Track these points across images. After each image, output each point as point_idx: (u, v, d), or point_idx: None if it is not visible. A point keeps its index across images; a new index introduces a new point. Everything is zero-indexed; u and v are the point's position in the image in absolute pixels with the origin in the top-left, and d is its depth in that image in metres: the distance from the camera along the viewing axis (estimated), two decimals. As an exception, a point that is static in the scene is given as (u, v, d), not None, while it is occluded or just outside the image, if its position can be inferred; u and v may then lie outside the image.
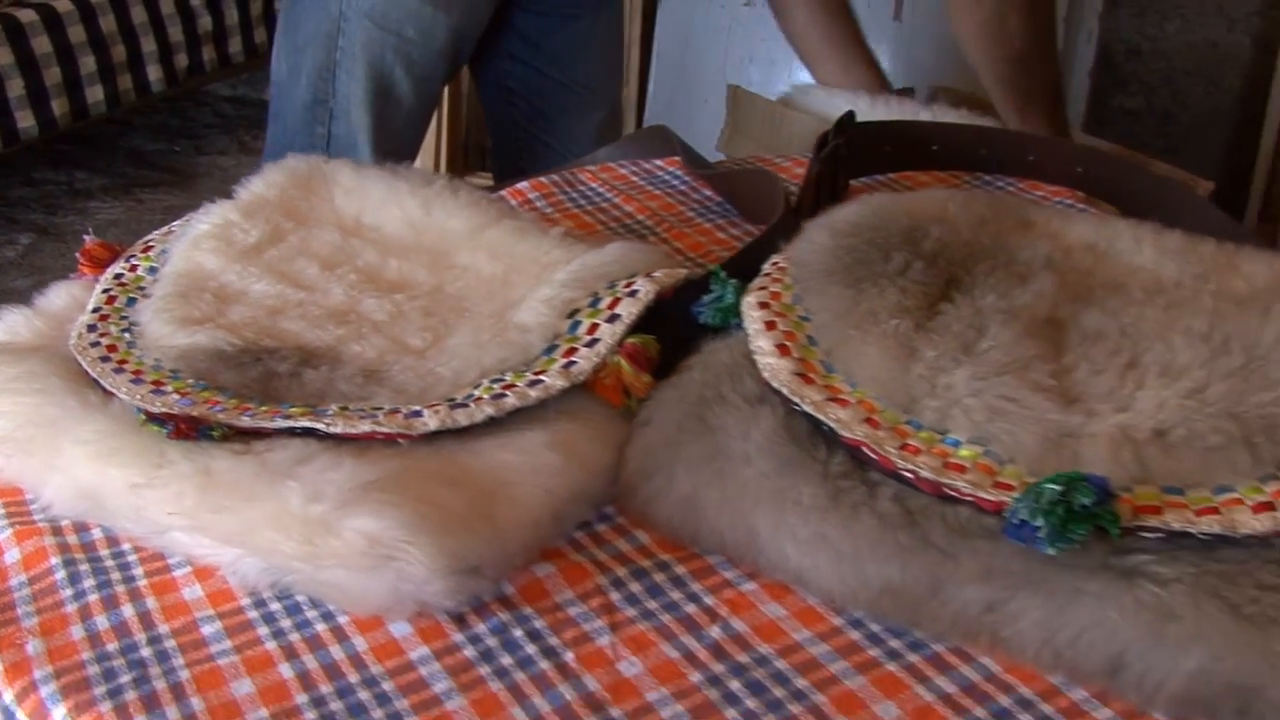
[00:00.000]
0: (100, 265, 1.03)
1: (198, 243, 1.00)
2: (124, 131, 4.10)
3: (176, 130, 4.11)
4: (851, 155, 1.25)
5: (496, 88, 1.93)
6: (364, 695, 0.68)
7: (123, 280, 0.99)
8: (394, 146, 1.77)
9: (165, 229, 1.07)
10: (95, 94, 3.39)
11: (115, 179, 3.74)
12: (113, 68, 3.43)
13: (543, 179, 1.31)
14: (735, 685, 0.68)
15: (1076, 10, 2.73)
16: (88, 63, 3.37)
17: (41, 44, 3.29)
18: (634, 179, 1.33)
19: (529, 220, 1.01)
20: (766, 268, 0.89)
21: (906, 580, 0.71)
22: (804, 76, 2.06)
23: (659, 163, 1.37)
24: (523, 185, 1.29)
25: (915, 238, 0.86)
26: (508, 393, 0.80)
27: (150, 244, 1.04)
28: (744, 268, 0.90)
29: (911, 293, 0.81)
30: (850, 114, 1.26)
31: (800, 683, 0.68)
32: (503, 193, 1.27)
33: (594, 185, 1.31)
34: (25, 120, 3.28)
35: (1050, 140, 1.33)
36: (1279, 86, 2.67)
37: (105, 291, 0.98)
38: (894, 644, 0.71)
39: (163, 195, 3.57)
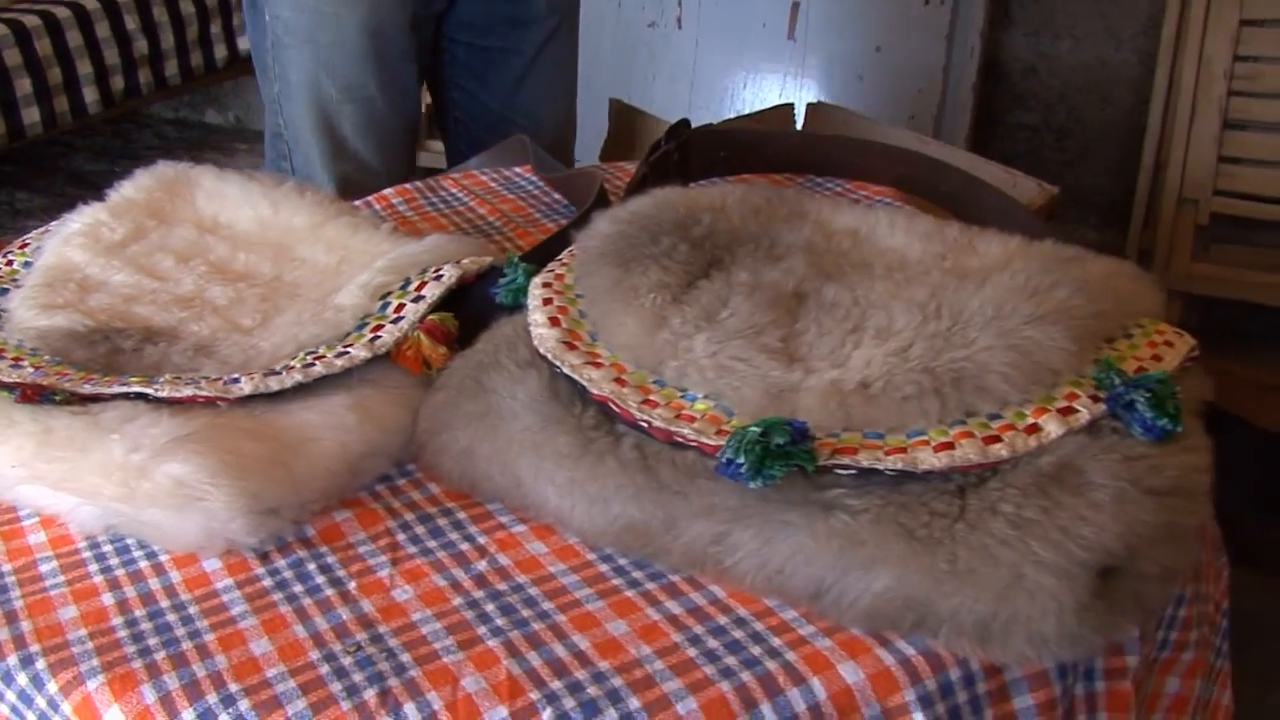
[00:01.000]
0: (-23, 261, 1.14)
1: (68, 239, 1.11)
2: (65, 153, 4.19)
3: (118, 151, 4.20)
4: (686, 160, 1.37)
5: (446, 117, 1.95)
6: (171, 618, 0.79)
7: (-2, 274, 1.10)
8: (351, 169, 1.77)
9: (43, 229, 1.18)
10: (31, 115, 3.49)
11: (55, 199, 3.83)
12: (49, 89, 3.53)
13: (407, 185, 1.43)
14: (490, 608, 0.79)
15: (960, 28, 2.86)
16: (24, 84, 3.47)
17: (-22, 66, 3.39)
18: (492, 184, 1.45)
19: (364, 217, 1.13)
20: (563, 255, 1.01)
21: (644, 517, 0.82)
22: (704, 93, 2.18)
23: (518, 170, 1.49)
24: (388, 191, 1.40)
25: (686, 224, 0.98)
26: (317, 363, 0.92)
27: (26, 242, 1.15)
28: (544, 256, 1.02)
29: (673, 271, 0.93)
30: (684, 121, 1.38)
31: (547, 605, 0.79)
32: (370, 198, 1.39)
33: (454, 191, 1.43)
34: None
35: (872, 145, 1.45)
36: (1157, 101, 2.79)
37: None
38: (636, 574, 0.82)
39: (102, 214, 3.66)
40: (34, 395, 0.89)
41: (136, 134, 4.33)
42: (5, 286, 1.08)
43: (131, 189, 1.17)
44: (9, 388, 0.90)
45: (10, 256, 1.13)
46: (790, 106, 2.16)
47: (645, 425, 0.82)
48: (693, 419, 0.82)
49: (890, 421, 0.82)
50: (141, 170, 1.20)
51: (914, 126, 2.78)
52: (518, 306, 0.97)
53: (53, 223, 1.18)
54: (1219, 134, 2.67)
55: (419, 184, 1.44)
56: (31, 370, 0.93)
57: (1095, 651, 0.78)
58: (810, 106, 2.16)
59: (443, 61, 1.85)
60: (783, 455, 0.77)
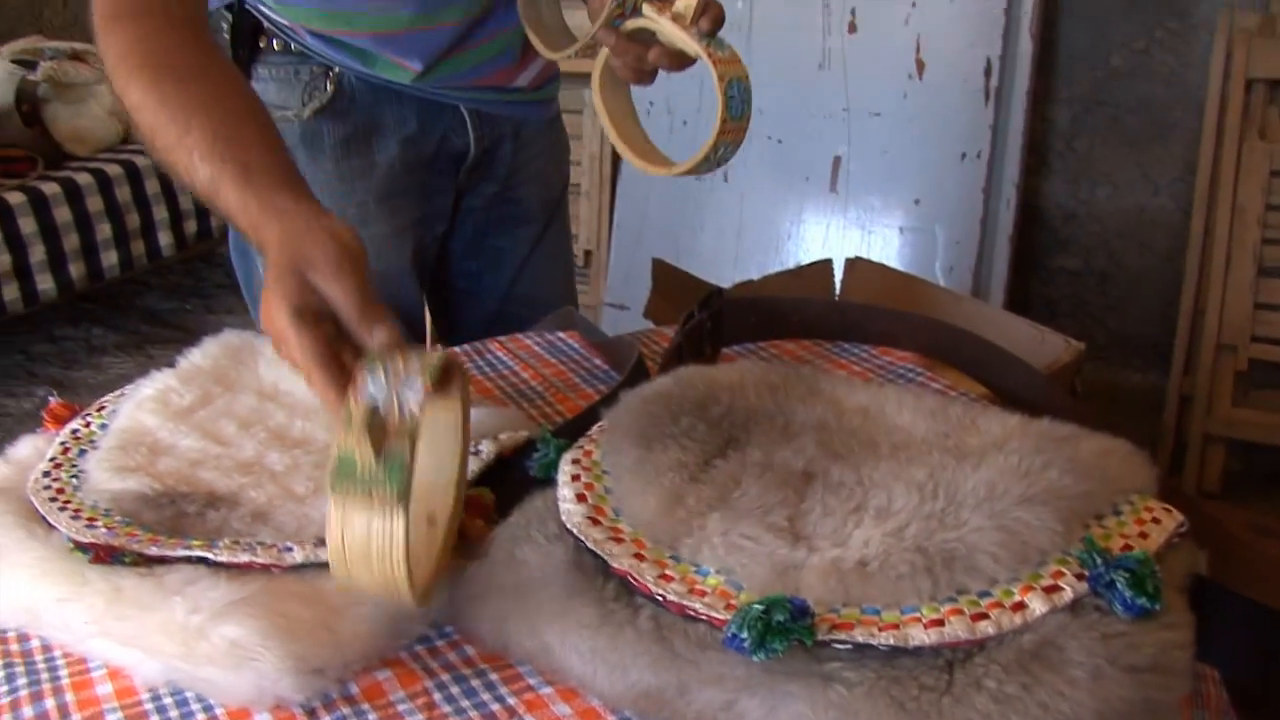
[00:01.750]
0: (60, 421, 1.23)
1: (141, 404, 1.20)
2: (140, 291, 4.37)
3: (189, 290, 4.38)
4: (718, 326, 1.46)
5: (445, 322, 1.93)
6: (224, 770, 0.86)
7: (78, 435, 1.20)
8: None
9: (119, 392, 1.28)
10: (110, 258, 3.66)
11: (129, 335, 4.00)
12: (127, 234, 3.70)
13: (455, 348, 1.52)
14: (520, 771, 0.87)
15: (997, 181, 2.95)
16: (104, 229, 3.64)
17: (62, 213, 3.56)
18: (536, 349, 1.54)
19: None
20: (592, 431, 1.09)
21: (660, 684, 0.89)
22: (749, 243, 2.25)
23: (561, 335, 1.58)
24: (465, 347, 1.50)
25: (705, 404, 1.06)
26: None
27: (104, 404, 1.25)
28: (576, 431, 1.10)
29: (691, 450, 1.00)
30: (717, 291, 1.47)
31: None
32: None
33: (500, 354, 1.52)
34: (45, 283, 3.54)
35: (897, 314, 1.53)
36: (1194, 248, 2.87)
37: (62, 444, 1.18)
38: (657, 731, 0.89)
39: (172, 351, 3.73)
40: (106, 557, 0.98)
41: (208, 272, 4.50)
42: (84, 448, 1.17)
43: (199, 356, 1.27)
44: (85, 548, 0.99)
45: (89, 419, 1.22)
46: (829, 263, 2.25)
47: (661, 599, 0.90)
48: (704, 594, 0.90)
49: (885, 598, 0.88)
50: (209, 338, 1.30)
51: (953, 276, 2.86)
52: (549, 480, 1.05)
53: (128, 386, 1.27)
54: (1254, 280, 2.73)
55: (467, 347, 1.53)
56: (105, 530, 1.02)
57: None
58: (848, 262, 2.25)
59: (442, 274, 1.85)
60: (783, 631, 0.84)
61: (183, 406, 1.20)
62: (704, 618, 0.88)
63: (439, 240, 1.78)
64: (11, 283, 3.47)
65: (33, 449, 1.21)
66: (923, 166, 2.96)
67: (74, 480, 1.12)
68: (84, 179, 3.62)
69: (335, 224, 0.99)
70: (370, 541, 0.86)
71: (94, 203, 3.60)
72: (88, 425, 1.22)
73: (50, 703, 0.93)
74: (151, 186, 3.73)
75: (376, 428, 0.86)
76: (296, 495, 1.07)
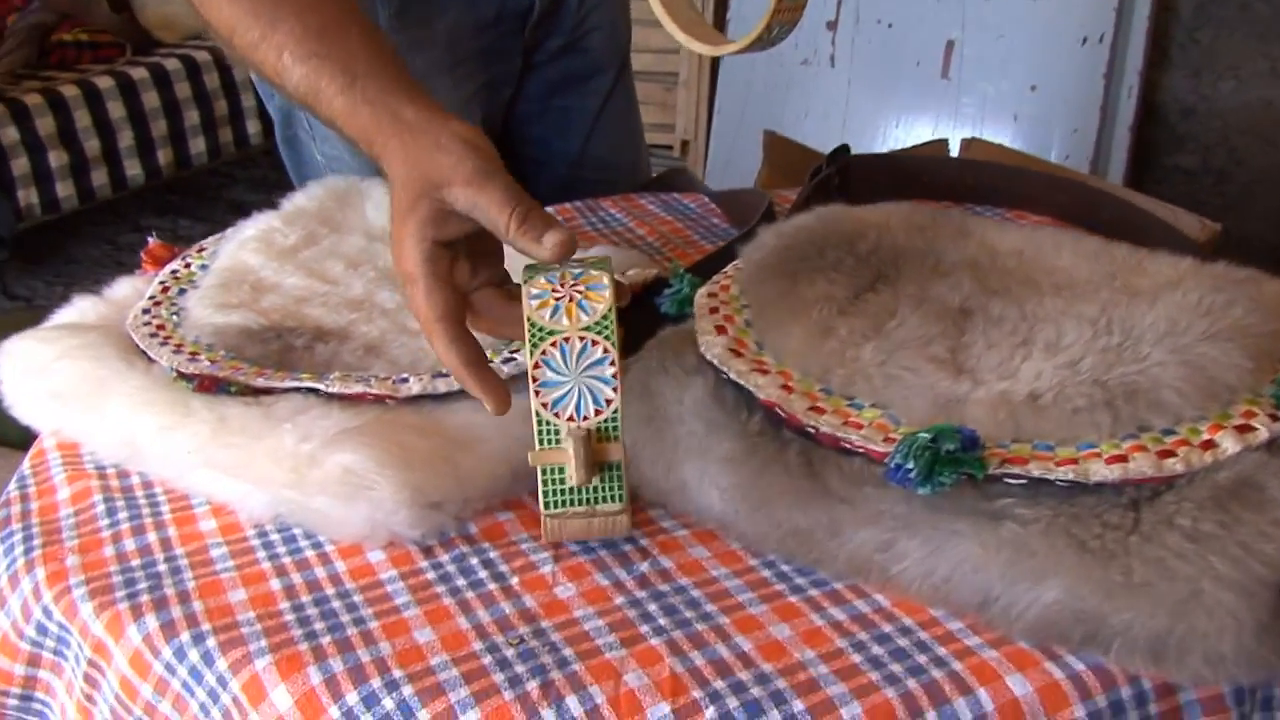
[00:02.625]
0: (160, 262, 1.17)
1: (243, 244, 1.14)
2: (226, 183, 4.32)
3: (274, 183, 4.31)
4: (844, 185, 1.37)
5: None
6: (336, 604, 0.80)
7: (177, 275, 1.14)
8: None
9: (218, 235, 1.21)
10: (198, 145, 3.61)
11: (216, 227, 3.91)
12: (214, 121, 3.65)
13: (567, 205, 1.44)
14: (653, 607, 0.79)
15: (1119, 68, 2.82)
16: (191, 116, 3.60)
17: (150, 99, 3.52)
18: (650, 207, 1.46)
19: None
20: (727, 269, 1.01)
21: (809, 524, 0.81)
22: (855, 131, 2.16)
23: (677, 195, 1.50)
24: (548, 209, 1.42)
25: (852, 239, 0.98)
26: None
27: (204, 246, 1.19)
28: (709, 270, 1.02)
29: (839, 283, 0.92)
30: (845, 146, 1.38)
31: (709, 607, 0.79)
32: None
33: (614, 212, 1.44)
34: (133, 169, 3.50)
35: (1031, 173, 1.43)
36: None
37: (161, 283, 1.12)
38: (799, 580, 0.82)
39: (260, 242, 3.78)
40: (210, 386, 0.92)
41: (291, 165, 4.44)
42: (184, 288, 1.11)
43: (304, 199, 1.20)
44: (188, 378, 0.93)
45: (188, 260, 1.16)
46: (944, 142, 2.15)
47: (812, 431, 0.82)
48: (860, 426, 0.82)
49: (1060, 433, 0.80)
50: (314, 181, 1.23)
51: (1069, 167, 2.74)
52: (682, 316, 0.97)
53: (228, 229, 1.21)
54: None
55: (579, 204, 1.45)
56: (208, 364, 0.96)
57: (1274, 675, 0.75)
58: (965, 142, 2.15)
59: (508, 145, 1.70)
60: (952, 462, 0.76)
61: (287, 246, 1.13)
62: (861, 450, 0.81)
63: (504, 108, 1.65)
64: (100, 168, 3.44)
65: (131, 289, 1.15)
66: (1041, 51, 2.82)
67: (174, 317, 1.06)
68: (172, 65, 3.58)
69: (462, 127, 0.85)
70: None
71: (182, 89, 3.56)
72: (187, 266, 1.15)
73: (152, 536, 0.88)
74: (240, 73, 3.67)
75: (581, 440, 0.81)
76: (411, 330, 1.00)
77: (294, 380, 0.92)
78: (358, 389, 0.91)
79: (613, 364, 0.79)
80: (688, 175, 1.50)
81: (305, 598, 0.81)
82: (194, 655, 0.77)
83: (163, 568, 0.84)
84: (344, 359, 0.97)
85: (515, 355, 0.94)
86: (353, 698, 0.72)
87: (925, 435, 0.77)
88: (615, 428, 0.81)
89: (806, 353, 0.87)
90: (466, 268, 0.86)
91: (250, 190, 4.29)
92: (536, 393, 0.80)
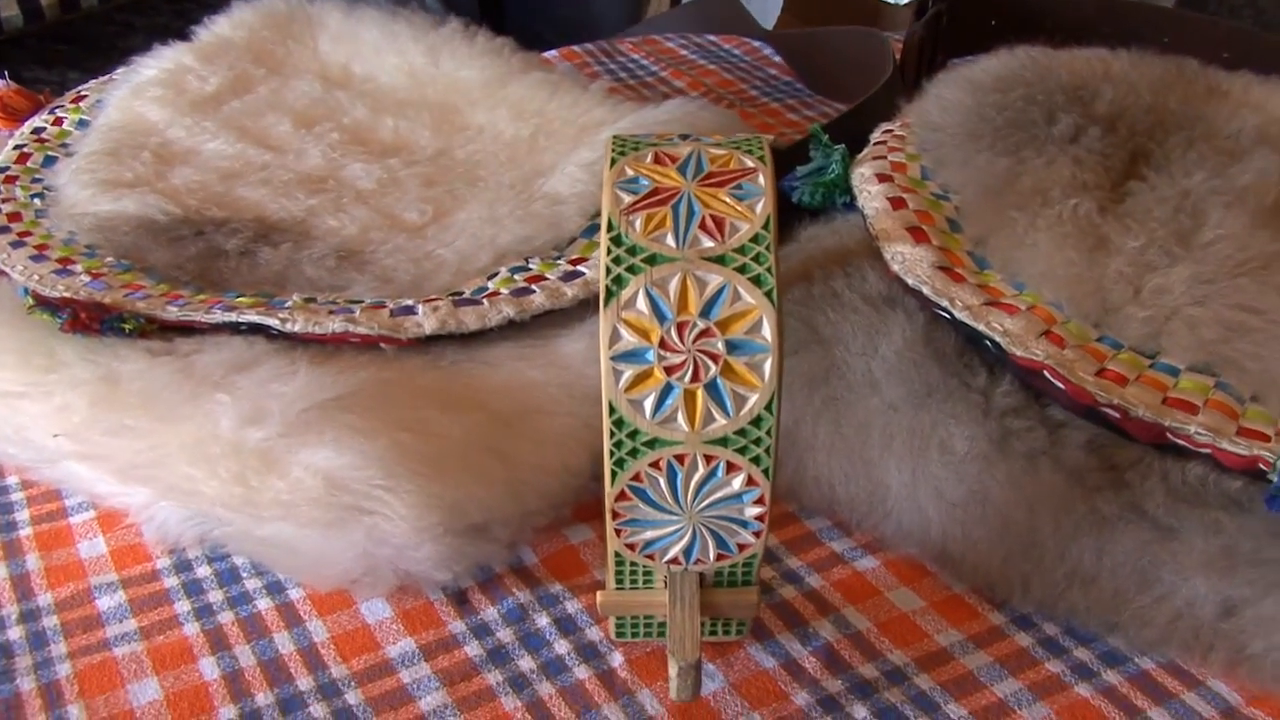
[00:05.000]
0: (16, 118, 0.80)
1: (140, 90, 0.78)
2: (123, 32, 3.86)
3: (177, 33, 3.87)
4: (950, 26, 1.03)
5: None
6: (318, 712, 0.46)
7: (42, 136, 0.77)
8: None
9: (105, 77, 0.85)
10: (84, -16, 3.17)
11: (108, 80, 3.53)
12: (104, -43, 3.21)
13: (574, 48, 1.09)
14: (860, 713, 0.47)
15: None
16: (77, -50, 3.15)
17: (27, -71, 3.06)
18: (683, 53, 1.10)
19: (562, 74, 0.79)
20: (877, 135, 0.67)
21: (1105, 564, 0.49)
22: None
23: (711, 38, 1.14)
24: (550, 54, 1.06)
25: (1084, 97, 0.64)
26: (534, 286, 0.58)
27: (83, 94, 0.82)
28: (846, 138, 0.68)
29: (1089, 165, 0.59)
30: (951, -25, 1.03)
31: (954, 711, 0.47)
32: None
33: (636, 56, 1.09)
34: (8, 9, 3.05)
35: (1191, 17, 1.10)
36: None
37: (17, 148, 0.76)
38: (1081, 655, 0.50)
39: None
40: (91, 321, 0.56)
41: (197, 14, 3.99)
42: (52, 154, 0.75)
43: (228, 26, 0.84)
44: (52, 308, 0.57)
45: (60, 113, 0.80)
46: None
47: (1115, 414, 0.49)
48: (1191, 407, 0.49)
49: None
50: (240, 2, 0.87)
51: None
52: (826, 208, 0.63)
53: (117, 69, 0.85)
54: None
55: (590, 46, 1.10)
56: (87, 279, 0.60)
57: None
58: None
59: None
60: (1398, 484, 0.44)
61: (205, 94, 0.77)
62: (1204, 449, 0.48)
63: None
64: (-31, 9, 2.99)
65: (-29, 153, 0.78)
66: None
67: (36, 200, 0.70)
68: (52, -107, 3.12)
69: None
70: None
71: (64, -80, 3.11)
72: (58, 123, 0.79)
73: (0, 571, 0.53)
74: (131, -96, 3.23)
75: None
76: (407, 224, 0.65)
77: (227, 311, 0.57)
78: (334, 325, 0.56)
79: (760, 501, 0.44)
80: (728, 5, 1.14)
81: (262, 698, 0.47)
82: (67, 820, 0.43)
83: (15, 633, 0.50)
84: (305, 272, 0.61)
85: (583, 268, 0.60)
86: None
87: (1351, 436, 0.44)
88: (749, 573, 0.46)
89: (1070, 277, 0.54)
90: None
91: (149, 40, 3.84)
92: (618, 531, 0.44)
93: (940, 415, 0.52)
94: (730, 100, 1.00)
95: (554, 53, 1.07)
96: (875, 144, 0.66)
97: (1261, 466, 0.47)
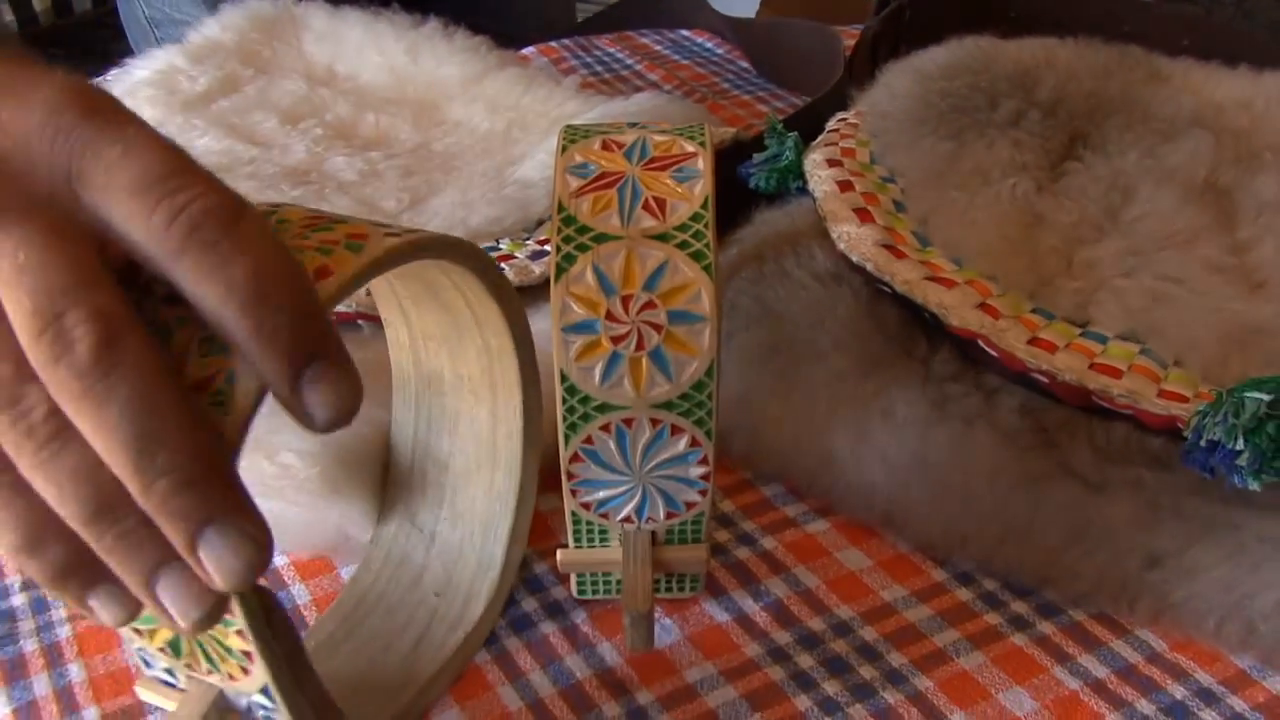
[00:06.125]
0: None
1: (134, 91, 0.82)
2: (116, 36, 3.89)
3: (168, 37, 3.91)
4: (915, 19, 1.06)
5: None
6: (301, 663, 0.50)
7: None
8: None
9: (99, 79, 0.88)
10: (80, -11, 3.20)
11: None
12: (99, -39, 3.24)
13: (551, 43, 1.12)
14: (807, 662, 0.50)
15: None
16: (72, -45, 3.18)
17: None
18: (657, 48, 1.14)
19: (537, 69, 0.82)
20: (831, 124, 0.70)
21: (1038, 521, 0.52)
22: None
23: (684, 32, 1.17)
24: (528, 51, 1.09)
25: (1026, 84, 0.68)
26: (504, 265, 0.62)
27: (76, 95, 0.85)
28: (803, 130, 0.71)
29: (1028, 146, 0.62)
30: (917, -32, 1.06)
31: (896, 660, 0.50)
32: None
33: (612, 50, 1.12)
34: (4, 14, 3.09)
35: (1152, 7, 1.13)
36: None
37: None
38: (1017, 607, 0.53)
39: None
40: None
41: (189, 17, 4.02)
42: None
43: (216, 28, 0.87)
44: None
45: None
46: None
47: (1044, 379, 0.52)
48: (1115, 371, 0.52)
49: None
50: (229, 5, 0.90)
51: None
52: (780, 194, 0.67)
53: (110, 70, 0.88)
54: None
55: (567, 41, 1.13)
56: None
57: None
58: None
59: None
60: (1303, 439, 0.47)
61: (196, 93, 0.80)
62: (1125, 410, 0.51)
63: None
64: (-35, 15, 3.03)
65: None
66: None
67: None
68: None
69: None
70: None
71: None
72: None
73: (2, 539, 0.56)
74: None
75: None
76: (385, 212, 0.68)
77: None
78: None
79: (704, 461, 0.47)
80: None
81: (248, 654, 0.50)
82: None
83: (19, 601, 0.54)
84: (288, 259, 0.65)
85: (549, 247, 0.63)
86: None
87: (1258, 396, 0.47)
88: (698, 530, 0.49)
89: (1008, 253, 0.57)
90: None
91: (141, 43, 3.88)
92: (574, 491, 0.48)
93: (883, 383, 0.55)
94: (702, 93, 1.03)
95: (532, 49, 1.10)
96: (829, 131, 0.69)
97: (1179, 425, 0.50)
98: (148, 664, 0.40)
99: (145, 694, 0.41)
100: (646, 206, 0.44)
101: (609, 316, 0.43)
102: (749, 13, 1.69)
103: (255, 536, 0.31)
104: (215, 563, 0.31)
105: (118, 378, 0.30)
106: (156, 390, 0.30)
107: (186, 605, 0.31)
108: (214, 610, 0.32)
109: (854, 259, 0.58)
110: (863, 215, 0.60)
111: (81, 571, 0.32)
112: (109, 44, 3.79)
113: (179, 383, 0.31)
